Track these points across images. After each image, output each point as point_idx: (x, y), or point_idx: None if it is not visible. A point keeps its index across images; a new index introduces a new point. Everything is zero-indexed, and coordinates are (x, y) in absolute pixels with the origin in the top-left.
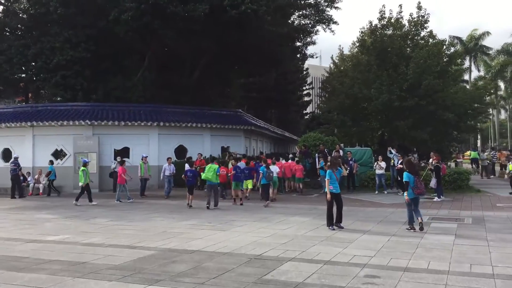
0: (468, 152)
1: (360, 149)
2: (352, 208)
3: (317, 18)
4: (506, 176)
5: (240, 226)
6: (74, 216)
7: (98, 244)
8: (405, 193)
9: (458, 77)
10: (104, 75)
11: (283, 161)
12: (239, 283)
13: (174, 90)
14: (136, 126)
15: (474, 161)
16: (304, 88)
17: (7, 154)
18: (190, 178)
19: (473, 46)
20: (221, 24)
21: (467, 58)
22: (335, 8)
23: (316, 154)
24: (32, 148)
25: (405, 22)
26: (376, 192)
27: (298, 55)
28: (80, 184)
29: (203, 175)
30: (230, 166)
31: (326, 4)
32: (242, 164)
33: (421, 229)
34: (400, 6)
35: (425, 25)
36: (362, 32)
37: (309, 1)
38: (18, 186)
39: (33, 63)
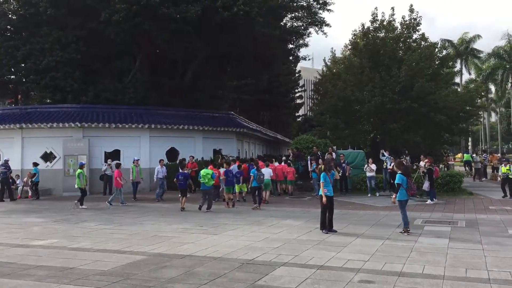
0: (459, 155)
1: (352, 152)
2: (345, 211)
3: (309, 20)
4: (498, 178)
5: (232, 229)
6: (63, 220)
7: (86, 248)
8: (394, 195)
9: (450, 79)
10: (95, 76)
11: (276, 163)
12: None
13: (166, 92)
14: (127, 128)
15: (467, 163)
16: (296, 90)
17: None
18: (182, 182)
19: (464, 49)
20: (214, 26)
21: (458, 61)
22: (328, 10)
23: (309, 157)
24: (21, 150)
25: (397, 24)
26: (369, 195)
27: (291, 57)
28: (76, 186)
29: (201, 180)
30: (222, 170)
31: (318, 6)
32: (234, 167)
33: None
34: (393, 8)
35: (417, 27)
36: (354, 34)
37: (302, 3)
38: (8, 189)
39: (23, 65)
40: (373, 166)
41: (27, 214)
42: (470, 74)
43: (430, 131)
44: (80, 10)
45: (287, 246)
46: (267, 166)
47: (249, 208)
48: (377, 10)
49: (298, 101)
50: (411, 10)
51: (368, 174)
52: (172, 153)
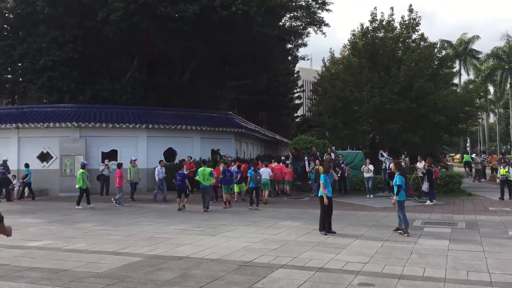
0: (457, 155)
1: (351, 152)
2: (344, 212)
3: (308, 20)
4: (497, 180)
5: (229, 231)
6: (58, 221)
7: (81, 250)
8: (395, 197)
9: (449, 80)
10: (92, 76)
11: (275, 163)
12: None
13: (164, 92)
14: (125, 128)
15: (467, 164)
16: (295, 91)
17: None
18: (179, 182)
19: (463, 50)
20: (212, 25)
21: (457, 62)
22: (327, 10)
23: (306, 157)
24: (17, 150)
25: (396, 24)
26: (369, 196)
27: (289, 58)
28: (78, 186)
29: (197, 178)
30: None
31: (317, 6)
32: (234, 168)
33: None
34: (392, 8)
35: (417, 28)
36: (353, 34)
37: (301, 3)
38: (6, 189)
39: (19, 64)
40: (371, 167)
41: (23, 214)
42: (468, 75)
43: (429, 132)
44: (77, 9)
45: (286, 247)
46: (266, 166)
47: (247, 209)
48: (376, 10)
49: (297, 101)
50: (410, 10)
51: (366, 175)
52: (169, 153)
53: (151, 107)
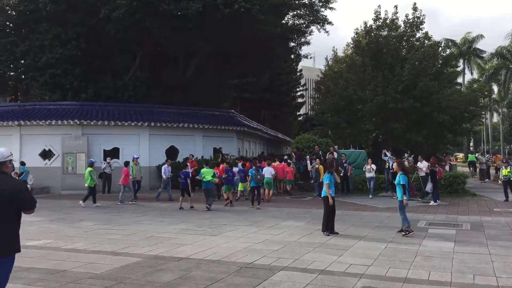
0: (461, 155)
1: (354, 151)
2: (347, 212)
3: (311, 18)
4: (499, 181)
5: (231, 231)
6: (59, 219)
7: (80, 250)
8: (405, 197)
9: (453, 79)
10: (95, 74)
11: (277, 162)
12: None
13: (166, 90)
14: (127, 126)
15: (471, 164)
16: (297, 89)
17: None
18: (183, 180)
19: (467, 49)
20: (214, 23)
21: (461, 61)
22: (330, 8)
23: (308, 156)
24: (19, 148)
25: (400, 23)
26: (370, 196)
27: (292, 56)
28: (86, 184)
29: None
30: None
31: (320, 4)
32: (239, 166)
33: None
34: (396, 7)
35: (421, 26)
36: (357, 33)
37: (304, 1)
38: None
39: (22, 61)
40: (373, 166)
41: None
42: (472, 74)
43: (433, 131)
44: (79, 6)
45: (287, 248)
46: (269, 165)
47: (249, 208)
48: (380, 8)
49: (299, 100)
50: (415, 9)
51: (368, 174)
52: (171, 152)
53: (153, 105)
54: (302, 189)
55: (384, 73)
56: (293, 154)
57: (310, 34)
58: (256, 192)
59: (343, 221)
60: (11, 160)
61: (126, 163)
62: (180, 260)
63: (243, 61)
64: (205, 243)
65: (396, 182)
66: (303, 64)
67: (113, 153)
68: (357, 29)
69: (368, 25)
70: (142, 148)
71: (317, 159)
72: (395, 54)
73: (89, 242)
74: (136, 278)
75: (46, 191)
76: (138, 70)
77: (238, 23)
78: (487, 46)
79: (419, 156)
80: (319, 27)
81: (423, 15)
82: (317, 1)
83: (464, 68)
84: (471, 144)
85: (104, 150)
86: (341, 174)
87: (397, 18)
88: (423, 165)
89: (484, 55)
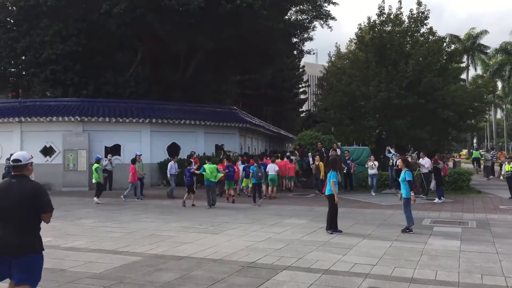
0: (464, 152)
1: (358, 148)
2: (350, 209)
3: (314, 13)
4: (501, 177)
5: (232, 229)
6: (59, 217)
7: (80, 248)
8: (412, 193)
9: (458, 75)
10: (95, 70)
11: (279, 159)
12: None
13: (168, 86)
14: (128, 123)
15: (475, 160)
16: (300, 85)
17: None
18: (188, 178)
19: (471, 45)
20: (216, 19)
21: (465, 56)
22: (333, 3)
23: (310, 153)
24: (20, 144)
25: (404, 18)
26: (372, 193)
27: (295, 52)
28: (94, 181)
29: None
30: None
31: None
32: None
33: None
34: (400, 1)
35: (425, 21)
36: (360, 28)
37: None
38: None
39: (23, 57)
40: (376, 163)
41: None
42: (475, 70)
43: (437, 128)
44: (80, 2)
45: (290, 247)
46: (273, 162)
47: (251, 205)
48: (384, 3)
49: (302, 96)
50: (419, 4)
51: (370, 171)
52: (173, 149)
53: (154, 101)
54: (305, 186)
55: (388, 69)
56: (296, 152)
57: (313, 30)
58: (258, 189)
59: (347, 219)
60: (32, 163)
61: (133, 161)
62: (181, 259)
63: (245, 57)
64: (206, 241)
65: (400, 179)
66: (305, 60)
67: (115, 150)
68: (360, 24)
69: (372, 21)
70: (143, 145)
71: (317, 156)
72: (399, 50)
73: (89, 240)
74: (135, 277)
75: (47, 188)
76: (139, 66)
77: (240, 18)
78: (492, 41)
79: (421, 153)
80: (322, 22)
81: (428, 10)
82: None
83: (468, 64)
84: (475, 140)
85: (105, 146)
86: (344, 171)
87: (401, 13)
88: (425, 161)
89: (488, 51)
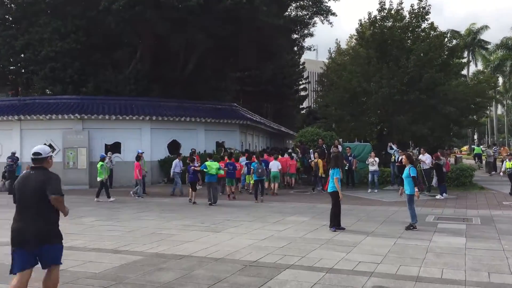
0: (465, 147)
1: (359, 145)
2: (353, 206)
3: (314, 9)
4: (502, 174)
5: (234, 227)
6: None
7: (80, 247)
8: (416, 189)
9: (459, 70)
10: (95, 67)
11: (279, 156)
12: None
13: (167, 83)
14: (128, 120)
15: (477, 156)
16: (300, 82)
17: None
18: (191, 175)
19: (471, 40)
20: (216, 15)
21: (465, 52)
22: None
23: (311, 150)
24: (19, 142)
25: (405, 13)
26: (371, 190)
27: (295, 48)
28: (99, 179)
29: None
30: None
31: None
32: (243, 159)
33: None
34: None
35: (426, 16)
36: (361, 24)
37: None
38: (12, 181)
39: (22, 55)
40: (376, 159)
41: None
42: (476, 65)
43: (439, 123)
44: None
45: (293, 245)
46: (276, 159)
47: (252, 202)
48: None
49: (302, 93)
50: None
51: (371, 168)
52: (173, 146)
53: (154, 99)
54: (306, 183)
55: (389, 64)
56: (297, 149)
57: (313, 26)
58: (260, 186)
59: (350, 216)
60: (51, 156)
61: (138, 158)
62: (182, 258)
63: (245, 54)
64: (208, 240)
65: (404, 175)
66: (305, 57)
67: (115, 147)
68: (361, 20)
69: (372, 16)
70: (143, 142)
71: (315, 153)
72: (400, 45)
73: (89, 239)
74: (135, 277)
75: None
76: (139, 64)
77: (240, 15)
78: (492, 37)
79: (422, 149)
80: (322, 18)
81: (429, 5)
82: None
83: (468, 60)
84: (475, 136)
85: (105, 144)
86: (346, 168)
87: (402, 9)
88: (425, 157)
89: (489, 47)
